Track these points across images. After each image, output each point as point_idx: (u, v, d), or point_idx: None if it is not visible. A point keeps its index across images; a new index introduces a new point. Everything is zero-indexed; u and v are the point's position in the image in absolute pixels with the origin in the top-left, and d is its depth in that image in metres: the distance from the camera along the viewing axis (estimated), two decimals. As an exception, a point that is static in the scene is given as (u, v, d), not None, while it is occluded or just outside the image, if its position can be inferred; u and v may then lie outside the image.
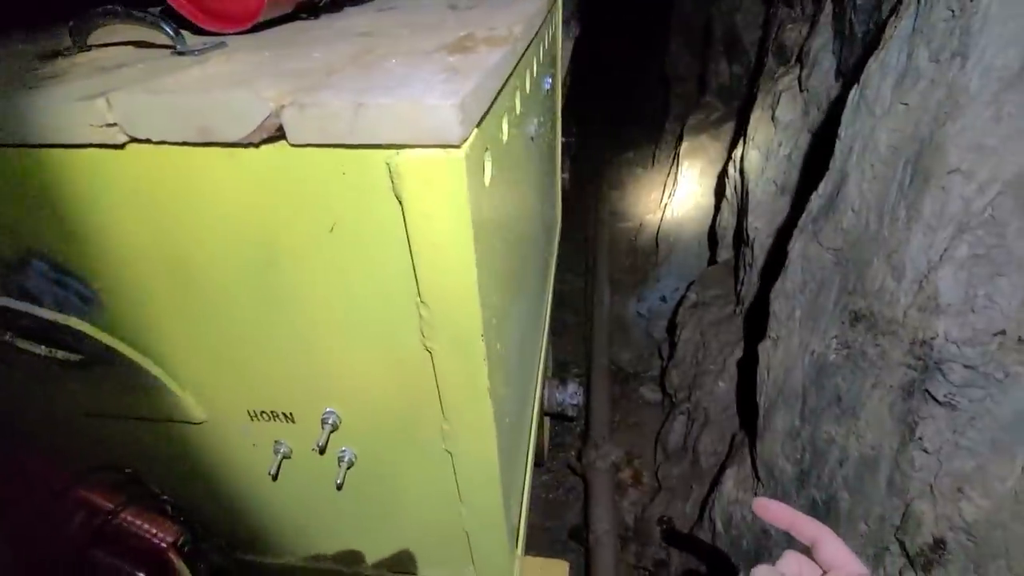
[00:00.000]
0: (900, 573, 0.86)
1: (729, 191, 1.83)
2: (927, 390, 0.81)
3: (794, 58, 1.50)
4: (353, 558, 0.78)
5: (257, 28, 0.64)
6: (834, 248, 0.97)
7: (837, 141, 0.97)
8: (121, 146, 0.40)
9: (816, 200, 1.01)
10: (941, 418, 0.80)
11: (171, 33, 0.54)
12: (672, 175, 2.86)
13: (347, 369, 0.52)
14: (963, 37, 0.76)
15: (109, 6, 0.55)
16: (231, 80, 0.39)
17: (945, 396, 0.79)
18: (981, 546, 0.77)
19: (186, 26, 0.63)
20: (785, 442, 1.07)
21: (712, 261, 2.09)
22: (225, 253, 0.45)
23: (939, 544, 0.81)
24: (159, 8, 0.59)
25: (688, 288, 2.01)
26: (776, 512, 0.49)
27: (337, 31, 0.61)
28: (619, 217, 3.50)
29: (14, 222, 0.46)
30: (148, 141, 0.39)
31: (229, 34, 0.64)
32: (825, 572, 0.44)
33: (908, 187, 0.84)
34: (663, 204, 2.88)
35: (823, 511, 0.99)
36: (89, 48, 0.59)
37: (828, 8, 1.29)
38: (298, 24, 0.71)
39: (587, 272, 3.02)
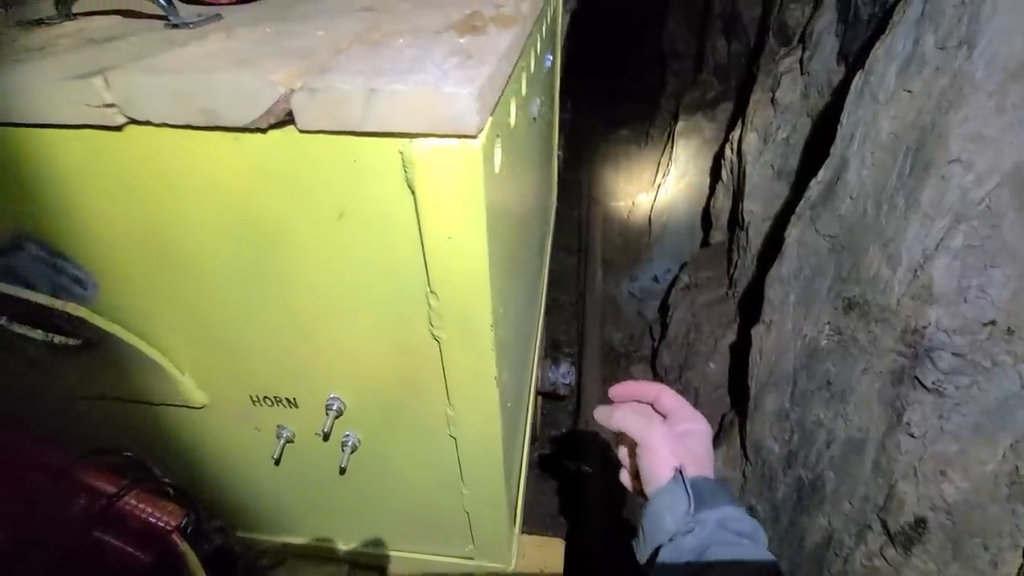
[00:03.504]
0: (881, 550, 0.90)
1: (725, 173, 1.82)
2: (916, 376, 0.83)
3: (796, 39, 1.48)
4: (353, 538, 0.79)
5: (252, -1, 0.61)
6: (830, 235, 0.98)
7: (839, 127, 0.97)
8: (119, 128, 0.38)
9: (815, 187, 1.02)
10: (928, 404, 0.83)
11: (163, 3, 0.51)
12: (667, 154, 2.84)
13: (352, 356, 0.52)
14: (971, 25, 0.76)
15: (97, -27, 0.52)
16: (235, 59, 0.38)
17: (933, 383, 0.81)
18: (959, 525, 0.81)
19: None
20: (774, 423, 1.10)
21: (705, 243, 2.10)
22: (227, 238, 0.44)
23: (920, 523, 0.84)
24: (150, -24, 0.56)
25: (681, 269, 2.02)
26: (622, 391, 0.56)
27: (338, 4, 0.59)
28: (612, 196, 3.48)
29: (4, 203, 0.44)
30: (148, 123, 0.37)
31: (224, 5, 0.61)
32: (665, 417, 0.53)
33: (908, 176, 0.84)
34: (657, 184, 2.86)
35: (809, 490, 1.02)
36: (74, 16, 0.56)
37: (833, -12, 1.26)
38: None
39: (580, 251, 3.01)
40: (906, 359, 0.85)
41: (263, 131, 0.37)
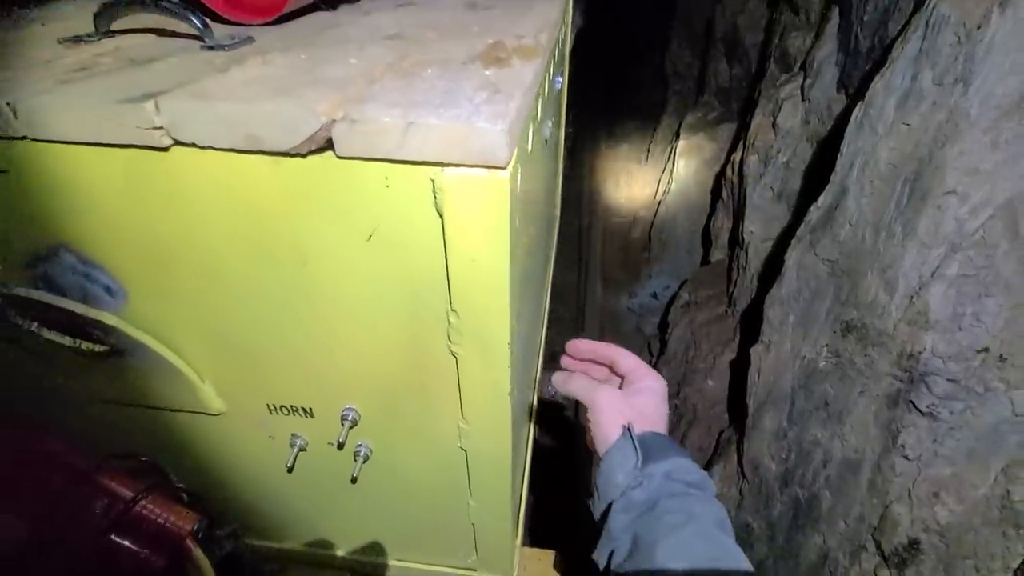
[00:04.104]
0: (875, 570, 0.91)
1: (726, 193, 1.86)
2: (911, 400, 0.85)
3: (797, 66, 1.52)
4: (357, 546, 0.80)
5: (280, 19, 0.64)
6: (830, 259, 1.00)
7: (839, 156, 1.00)
8: (165, 149, 0.40)
9: (815, 212, 1.04)
10: (923, 427, 0.85)
11: (200, 26, 0.54)
12: (668, 172, 2.88)
13: (369, 368, 0.54)
14: (967, 63, 0.79)
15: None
16: (277, 88, 0.40)
17: (928, 407, 0.83)
18: (952, 548, 0.83)
19: (206, 12, 0.63)
20: (771, 442, 1.12)
21: (705, 261, 2.13)
22: (258, 254, 0.46)
23: (913, 544, 0.86)
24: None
25: (680, 287, 2.05)
26: (579, 350, 0.58)
27: (364, 31, 0.61)
28: (612, 212, 3.52)
29: (46, 215, 0.46)
30: (193, 145, 0.40)
31: (253, 25, 0.64)
32: (623, 378, 0.55)
33: (905, 205, 0.87)
34: (657, 201, 2.90)
35: (805, 508, 1.04)
36: (111, 34, 0.58)
37: (835, 20, 1.31)
38: (320, 17, 0.71)
39: (580, 265, 3.04)
40: (902, 383, 0.87)
41: (302, 156, 0.39)
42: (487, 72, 0.47)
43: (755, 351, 1.17)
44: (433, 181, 0.39)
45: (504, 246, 0.41)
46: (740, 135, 1.94)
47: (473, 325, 0.47)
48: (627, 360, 0.55)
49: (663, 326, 2.05)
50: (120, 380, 0.58)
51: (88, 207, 0.45)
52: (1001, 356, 0.78)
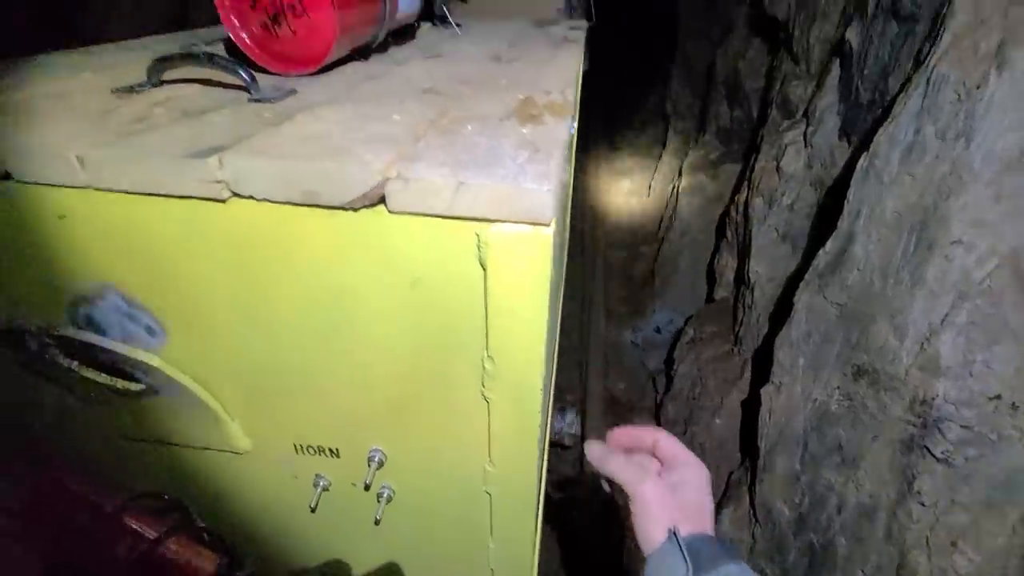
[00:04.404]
0: (894, 621, 0.90)
1: (730, 233, 1.89)
2: (926, 446, 0.86)
3: (799, 113, 1.58)
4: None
5: (318, 70, 0.67)
6: (839, 303, 1.02)
7: (845, 203, 1.03)
8: (223, 200, 0.42)
9: (823, 256, 1.07)
10: (938, 474, 0.85)
11: (248, 80, 0.57)
12: (670, 208, 2.94)
13: (400, 411, 0.55)
14: (968, 120, 0.83)
15: (194, 50, 0.58)
16: (332, 146, 0.42)
17: (943, 453, 0.84)
18: (973, 599, 0.82)
19: (250, 63, 0.67)
20: (784, 486, 1.11)
21: (710, 297, 2.15)
22: (302, 299, 0.47)
23: (933, 595, 0.85)
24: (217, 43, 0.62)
25: (686, 323, 2.06)
26: (621, 438, 0.56)
27: (400, 84, 0.65)
28: (615, 245, 3.57)
29: (98, 257, 0.48)
30: (251, 198, 0.42)
31: (293, 76, 0.67)
32: (662, 462, 0.53)
33: (912, 253, 0.90)
34: (660, 236, 2.95)
35: (821, 555, 1.02)
36: (161, 83, 0.61)
37: (835, 71, 1.36)
38: (355, 67, 0.75)
39: (582, 298, 3.06)
40: (915, 428, 0.88)
41: (355, 210, 0.41)
42: (523, 130, 0.50)
43: (766, 392, 1.17)
44: (478, 235, 0.41)
45: (543, 297, 0.43)
46: (743, 176, 1.99)
47: (507, 371, 0.48)
48: (668, 444, 0.52)
49: (668, 361, 2.06)
50: (150, 417, 0.58)
51: (141, 252, 0.47)
52: (1013, 404, 0.79)
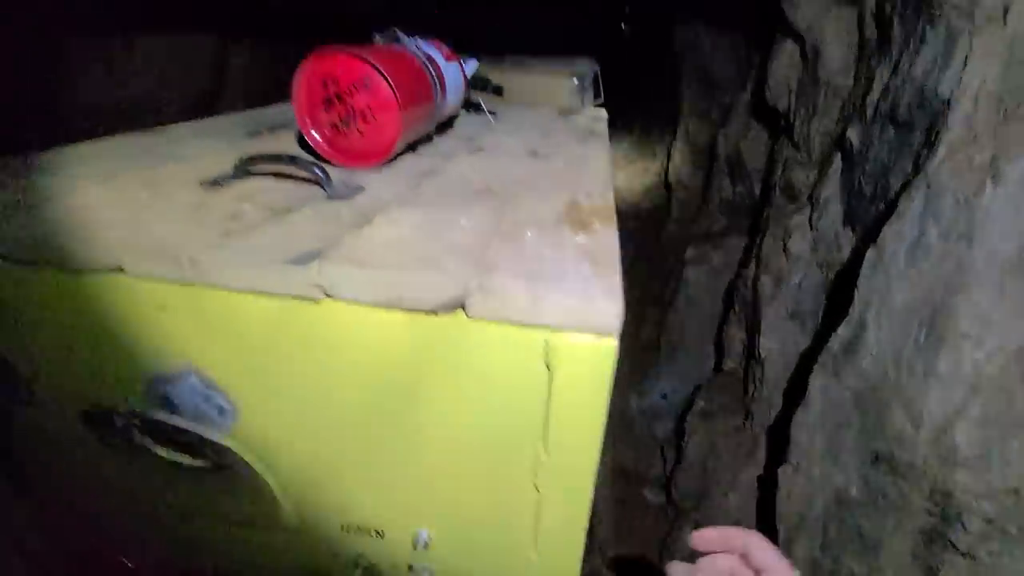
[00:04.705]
0: None
1: (738, 305, 1.95)
2: (949, 539, 0.86)
3: (803, 197, 1.67)
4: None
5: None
6: (854, 389, 1.05)
7: (855, 291, 1.09)
8: (315, 301, 0.47)
9: (836, 341, 1.11)
10: (963, 568, 0.85)
11: (324, 180, 0.63)
12: (675, 276, 3.01)
13: (451, 497, 0.57)
14: (968, 224, 0.90)
15: (281, 154, 0.65)
16: (417, 255, 0.47)
17: (966, 546, 0.85)
18: None
19: (312, 153, 0.74)
20: (805, 572, 1.10)
21: (717, 367, 2.18)
22: (372, 390, 0.51)
23: None
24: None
25: (695, 393, 2.08)
26: (707, 541, 0.51)
27: (456, 183, 0.71)
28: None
29: (187, 342, 0.52)
30: (341, 299, 0.46)
31: (357, 169, 0.74)
32: (757, 573, 0.47)
33: (923, 344, 0.94)
34: (666, 302, 3.01)
35: (845, 650, 1.00)
36: (242, 176, 0.67)
37: (837, 163, 1.46)
38: (409, 161, 0.82)
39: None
40: (937, 519, 0.89)
41: (435, 314, 0.46)
42: (578, 239, 0.55)
43: (783, 472, 1.18)
44: (547, 341, 0.45)
45: (604, 398, 0.47)
46: (749, 251, 2.07)
47: (562, 466, 0.51)
48: (763, 552, 0.48)
49: (678, 431, 2.05)
50: (205, 493, 0.60)
51: (228, 339, 0.51)
52: (1033, 499, 0.81)
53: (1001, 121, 0.90)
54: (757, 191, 2.53)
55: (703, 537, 0.52)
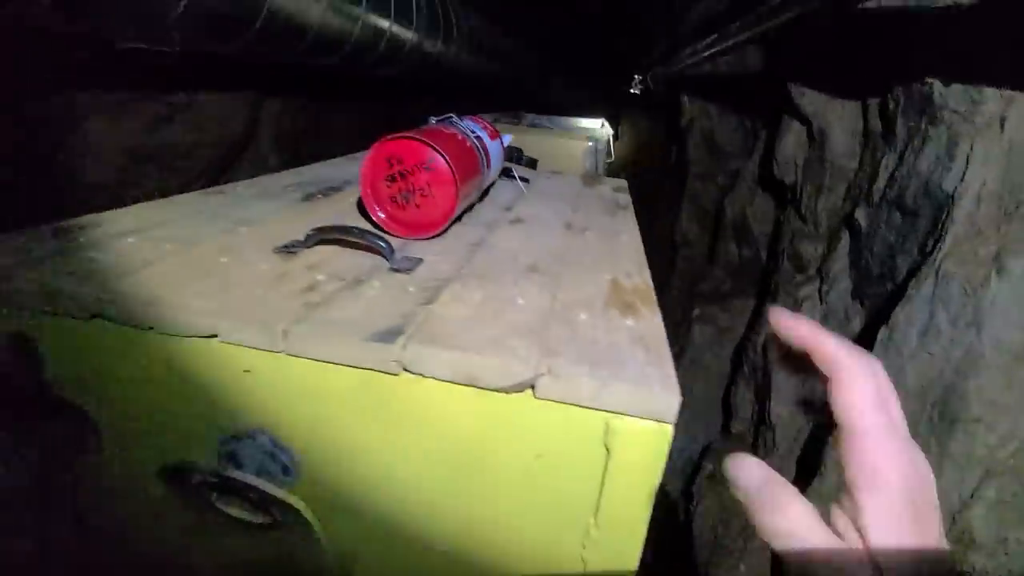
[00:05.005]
0: None
1: (747, 368, 1.99)
2: (969, 624, 0.87)
3: (811, 269, 1.74)
4: None
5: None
6: (869, 464, 1.08)
7: (868, 368, 1.13)
8: (395, 375, 0.51)
9: (850, 415, 1.15)
10: (985, 656, 0.85)
11: (389, 254, 0.69)
12: (681, 333, 3.06)
13: (500, 559, 0.59)
14: (976, 313, 0.95)
15: (352, 227, 0.71)
16: (487, 336, 0.52)
17: (987, 634, 0.85)
18: None
19: (369, 218, 0.80)
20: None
21: (725, 428, 2.19)
22: (436, 462, 0.54)
23: None
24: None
25: (703, 456, 2.08)
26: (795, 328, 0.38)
27: (505, 258, 0.77)
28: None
29: (264, 404, 0.56)
30: (419, 375, 0.51)
31: (412, 239, 0.80)
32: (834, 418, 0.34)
33: (937, 424, 0.97)
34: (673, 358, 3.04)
35: None
36: (311, 244, 0.73)
37: (845, 241, 1.54)
38: (456, 231, 0.88)
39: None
40: (956, 603, 0.90)
41: (506, 392, 0.50)
42: (628, 322, 0.60)
43: (798, 546, 1.19)
44: (607, 423, 0.49)
45: (656, 479, 0.50)
46: (757, 314, 2.12)
47: (610, 539, 0.54)
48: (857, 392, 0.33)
49: (686, 494, 2.04)
50: (260, 549, 0.62)
51: (303, 403, 0.55)
52: (1051, 588, 0.82)
53: (1003, 218, 0.97)
54: (763, 256, 2.62)
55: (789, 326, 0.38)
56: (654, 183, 5.09)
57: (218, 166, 2.57)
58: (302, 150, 3.18)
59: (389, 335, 0.51)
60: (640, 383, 0.48)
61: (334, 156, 1.43)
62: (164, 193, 0.94)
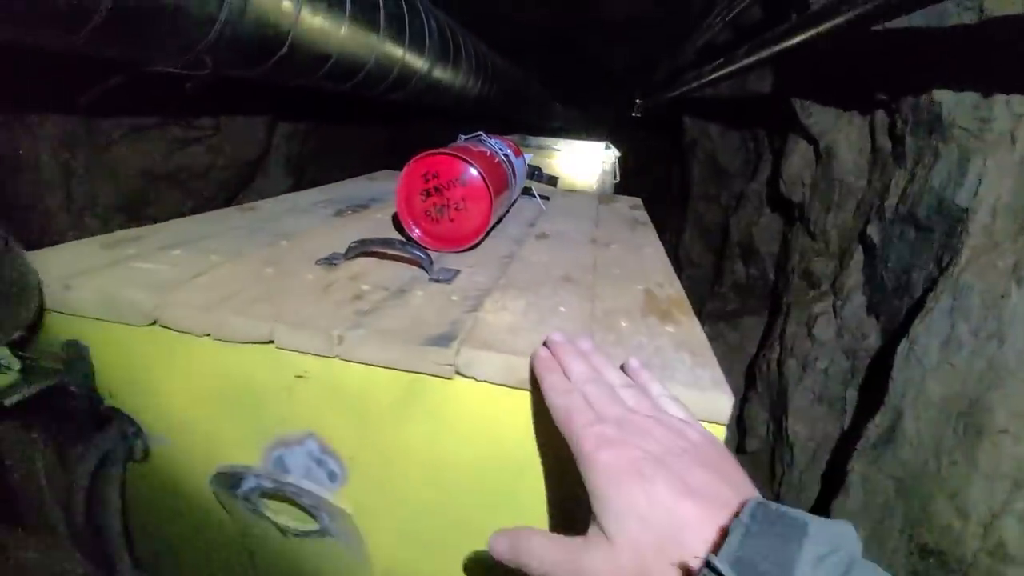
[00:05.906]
0: None
1: (760, 387, 1.98)
2: (1008, 640, 0.86)
3: (824, 285, 1.76)
4: None
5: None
6: (895, 477, 1.08)
7: (889, 381, 1.13)
8: (448, 378, 0.52)
9: (873, 429, 1.15)
10: (1025, 672, 0.84)
11: (428, 264, 0.70)
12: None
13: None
14: (997, 324, 0.96)
15: (391, 239, 0.73)
16: (533, 340, 0.53)
17: (1026, 649, 0.84)
18: None
19: (404, 232, 0.82)
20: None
21: (740, 446, 2.17)
22: (484, 463, 0.55)
23: None
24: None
25: (718, 474, 2.06)
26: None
27: (538, 270, 0.78)
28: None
29: (316, 409, 0.56)
30: (472, 378, 0.52)
31: (445, 251, 0.82)
32: None
33: (963, 436, 0.98)
34: (680, 378, 3.03)
35: None
36: (352, 256, 0.75)
37: (858, 256, 1.56)
38: (489, 246, 0.90)
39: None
40: (992, 618, 0.89)
41: (557, 396, 0.51)
42: (669, 328, 0.61)
43: (825, 562, 1.17)
44: (659, 426, 0.50)
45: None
46: (769, 333, 2.13)
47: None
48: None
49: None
50: (305, 556, 0.62)
51: (355, 409, 0.56)
52: (1090, 601, 0.81)
53: (1020, 230, 0.99)
54: (770, 274, 2.64)
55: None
56: (656, 204, 5.15)
57: (231, 187, 2.61)
58: (308, 171, 3.24)
59: (443, 339, 0.52)
60: (692, 386, 0.49)
61: (339, 178, 1.47)
62: (180, 214, 0.96)
